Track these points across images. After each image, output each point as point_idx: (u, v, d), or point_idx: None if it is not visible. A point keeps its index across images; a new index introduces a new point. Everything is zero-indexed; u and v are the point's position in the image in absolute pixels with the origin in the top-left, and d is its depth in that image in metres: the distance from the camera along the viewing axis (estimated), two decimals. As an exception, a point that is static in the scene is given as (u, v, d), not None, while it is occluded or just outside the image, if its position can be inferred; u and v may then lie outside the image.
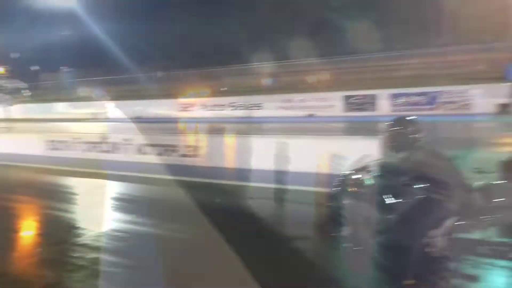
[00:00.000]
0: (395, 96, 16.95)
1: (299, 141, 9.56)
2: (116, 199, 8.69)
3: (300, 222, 6.47)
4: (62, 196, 9.25)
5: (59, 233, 6.83)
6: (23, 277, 5.36)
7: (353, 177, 4.55)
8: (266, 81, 30.06)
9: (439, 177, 3.52)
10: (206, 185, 9.33)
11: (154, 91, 31.30)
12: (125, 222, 7.13)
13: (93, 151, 12.38)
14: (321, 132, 14.75)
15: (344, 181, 4.65)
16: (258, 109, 20.06)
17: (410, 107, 16.56)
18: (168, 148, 11.12)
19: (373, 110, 17.26)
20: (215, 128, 18.88)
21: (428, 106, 16.19)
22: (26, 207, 8.99)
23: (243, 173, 9.47)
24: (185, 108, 22.45)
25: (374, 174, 4.28)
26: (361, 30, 27.64)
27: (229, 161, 10.19)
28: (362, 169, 4.53)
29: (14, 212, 8.75)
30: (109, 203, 8.41)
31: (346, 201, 4.52)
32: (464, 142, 12.10)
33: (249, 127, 16.95)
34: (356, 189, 4.41)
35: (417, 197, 3.57)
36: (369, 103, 17.37)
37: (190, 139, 11.12)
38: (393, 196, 3.75)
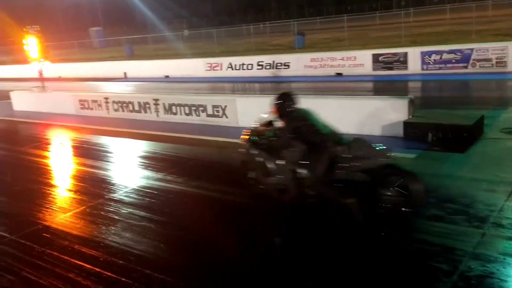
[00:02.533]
0: (427, 54, 16.36)
1: (327, 101, 9.52)
2: (145, 157, 9.01)
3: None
4: (94, 154, 9.65)
5: (94, 189, 7.22)
6: (63, 230, 5.76)
7: (257, 130, 5.88)
8: (294, 39, 29.52)
9: (307, 136, 5.16)
10: (233, 145, 9.52)
11: (181, 50, 31.34)
12: (155, 179, 7.43)
13: (124, 110, 12.68)
14: (349, 92, 14.59)
15: (251, 133, 5.93)
16: (286, 68, 19.80)
17: (442, 65, 16.02)
18: (196, 107, 11.28)
19: (404, 68, 16.77)
20: (243, 88, 18.95)
21: (462, 64, 15.62)
22: (62, 165, 9.46)
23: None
24: (212, 67, 22.38)
25: (271, 130, 5.70)
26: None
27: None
28: (266, 125, 5.83)
29: (51, 169, 9.24)
30: (138, 161, 8.74)
31: (252, 149, 5.85)
32: (498, 102, 11.79)
33: (276, 86, 16.89)
34: (258, 139, 5.81)
35: (295, 149, 5.24)
36: (399, 61, 16.87)
37: (218, 99, 11.22)
38: (281, 148, 5.37)
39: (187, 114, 11.48)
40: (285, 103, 5.45)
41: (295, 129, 5.23)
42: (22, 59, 36.66)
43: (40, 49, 14.78)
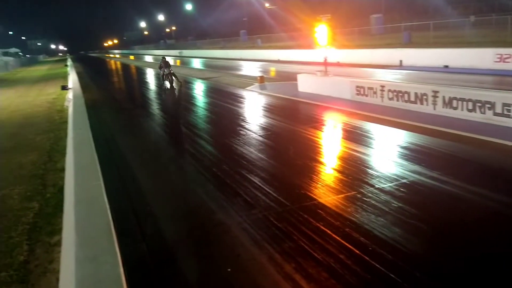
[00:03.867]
0: None
1: None
2: (418, 151, 8.61)
3: None
4: (365, 140, 9.84)
5: (364, 176, 7.37)
6: (336, 210, 6.11)
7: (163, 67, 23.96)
8: None
9: (168, 70, 23.67)
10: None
11: (465, 38, 28.55)
12: (428, 177, 7.02)
13: (399, 100, 12.47)
14: None
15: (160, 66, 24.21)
16: None
17: None
18: (481, 104, 10.08)
19: None
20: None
21: None
22: (335, 147, 10.03)
23: None
24: (503, 59, 19.54)
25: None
26: None
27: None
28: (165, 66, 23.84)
29: (326, 149, 9.93)
30: (410, 155, 8.42)
31: (162, 73, 23.97)
32: None
33: None
34: (163, 69, 23.87)
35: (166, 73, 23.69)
36: None
37: (511, 96, 9.71)
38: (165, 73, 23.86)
39: (469, 110, 10.40)
40: (165, 61, 23.85)
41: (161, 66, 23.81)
42: (304, 44, 40.85)
43: (330, 36, 15.93)
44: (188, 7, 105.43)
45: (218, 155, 9.67)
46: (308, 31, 45.64)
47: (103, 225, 4.38)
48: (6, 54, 77.47)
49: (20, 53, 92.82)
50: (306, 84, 17.34)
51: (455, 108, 10.77)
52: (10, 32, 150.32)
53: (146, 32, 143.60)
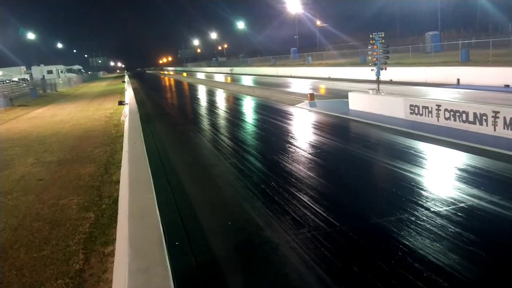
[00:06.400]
0: None
1: None
2: (476, 174, 8.17)
3: None
4: (419, 161, 9.48)
5: (418, 198, 7.08)
6: (387, 233, 5.90)
7: None
8: None
9: None
10: None
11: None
12: (488, 202, 6.65)
13: (456, 120, 11.99)
14: None
15: None
16: None
17: None
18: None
19: None
20: None
21: None
22: (384, 167, 9.74)
23: None
24: None
25: None
26: None
27: None
28: None
29: (377, 169, 9.67)
30: (467, 177, 8.00)
31: None
32: None
33: None
34: None
35: None
36: None
37: None
38: None
39: (534, 133, 9.82)
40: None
41: None
42: (356, 62, 40.38)
43: (382, 53, 15.68)
44: (240, 25, 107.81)
45: (267, 172, 9.67)
46: (360, 48, 45.18)
47: (155, 237, 4.47)
48: (70, 70, 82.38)
49: (82, 70, 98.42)
50: (358, 102, 17.07)
51: (518, 130, 10.19)
52: (74, 50, 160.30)
53: (199, 50, 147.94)
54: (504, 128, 10.57)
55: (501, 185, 7.48)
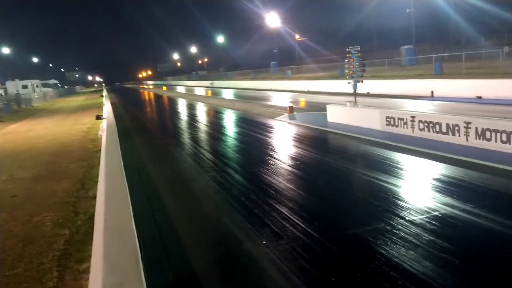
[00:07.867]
0: None
1: None
2: (449, 183, 8.35)
3: None
4: (394, 171, 9.64)
5: (394, 208, 7.20)
6: (364, 242, 5.97)
7: None
8: None
9: None
10: None
11: (500, 69, 27.99)
12: (461, 210, 6.80)
13: (430, 131, 12.27)
14: None
15: None
16: None
17: None
18: (516, 135, 9.79)
19: None
20: None
21: None
22: (361, 178, 9.88)
23: None
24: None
25: None
26: None
27: None
28: None
29: (356, 180, 9.79)
30: (441, 186, 8.17)
31: None
32: None
33: None
34: None
35: None
36: None
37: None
38: None
39: (503, 142, 10.11)
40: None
41: None
42: (334, 75, 40.99)
43: (358, 67, 16.00)
44: (220, 39, 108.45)
45: (247, 184, 9.68)
46: (339, 62, 45.95)
47: (130, 253, 4.43)
48: (45, 85, 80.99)
49: (58, 84, 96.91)
50: (336, 114, 17.31)
51: (489, 140, 10.49)
52: (50, 65, 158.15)
53: (179, 64, 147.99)
54: (475, 138, 10.87)
55: (473, 194, 7.66)
